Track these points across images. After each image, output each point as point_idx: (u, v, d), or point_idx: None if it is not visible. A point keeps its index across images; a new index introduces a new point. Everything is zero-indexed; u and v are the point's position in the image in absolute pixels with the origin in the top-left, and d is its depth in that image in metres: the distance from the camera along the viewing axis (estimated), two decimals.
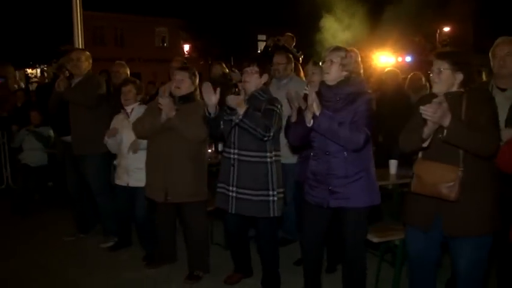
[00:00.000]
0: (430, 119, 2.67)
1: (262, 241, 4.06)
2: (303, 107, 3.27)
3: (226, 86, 4.82)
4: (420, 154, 2.97)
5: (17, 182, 7.38)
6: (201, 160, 4.25)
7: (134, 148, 4.57)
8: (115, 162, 4.98)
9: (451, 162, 2.81)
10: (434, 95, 2.88)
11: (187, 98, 4.18)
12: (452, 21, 22.41)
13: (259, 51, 25.96)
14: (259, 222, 3.95)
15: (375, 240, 3.96)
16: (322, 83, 3.45)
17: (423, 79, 6.75)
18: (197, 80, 4.29)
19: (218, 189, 3.99)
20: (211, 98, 3.72)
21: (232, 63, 5.61)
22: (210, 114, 3.81)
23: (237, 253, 4.26)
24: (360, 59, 3.45)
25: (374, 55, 13.86)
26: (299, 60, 6.96)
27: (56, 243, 5.39)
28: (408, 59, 17.45)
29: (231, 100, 3.65)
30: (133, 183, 4.67)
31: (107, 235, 5.27)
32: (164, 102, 4.02)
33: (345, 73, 3.34)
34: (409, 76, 6.94)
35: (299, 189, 4.17)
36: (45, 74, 7.55)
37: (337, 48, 3.38)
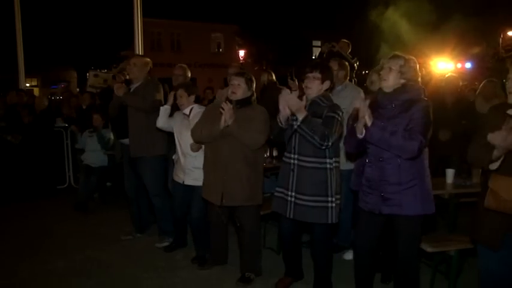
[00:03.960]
0: (500, 146, 2.54)
1: (317, 247, 4.03)
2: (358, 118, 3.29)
3: (277, 93, 4.88)
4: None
5: (78, 182, 7.73)
6: (258, 165, 4.31)
7: (197, 148, 4.65)
8: (174, 157, 5.10)
9: None
10: (508, 105, 2.76)
11: (244, 103, 4.25)
12: None
13: (313, 57, 25.92)
14: (315, 228, 3.93)
15: (429, 250, 3.89)
16: (380, 89, 3.47)
17: (498, 87, 6.42)
18: (254, 85, 4.34)
19: (276, 194, 4.01)
20: (286, 109, 3.73)
21: (293, 73, 5.64)
22: (282, 123, 3.83)
23: (289, 257, 4.28)
24: (418, 66, 3.43)
25: (432, 61, 13.54)
26: (354, 67, 6.93)
27: (114, 241, 5.60)
28: (468, 65, 16.86)
29: (292, 102, 3.64)
30: (188, 181, 4.79)
31: (162, 235, 5.43)
32: (227, 108, 4.09)
33: (402, 80, 3.34)
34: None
35: (354, 197, 4.16)
36: (116, 78, 7.80)
37: (396, 56, 3.39)
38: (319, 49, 8.29)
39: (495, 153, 2.61)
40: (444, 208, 4.97)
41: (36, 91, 27.09)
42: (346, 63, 5.17)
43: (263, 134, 4.12)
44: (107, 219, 6.58)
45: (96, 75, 12.69)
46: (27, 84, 18.54)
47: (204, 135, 4.35)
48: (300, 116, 3.63)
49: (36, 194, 7.87)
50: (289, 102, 3.66)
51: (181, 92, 4.85)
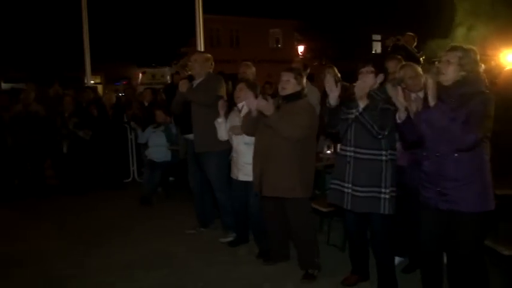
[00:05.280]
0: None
1: (376, 239, 4.00)
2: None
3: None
4: None
5: (142, 176, 7.93)
6: (303, 157, 4.26)
7: (236, 132, 4.84)
8: (230, 156, 5.16)
9: None
10: None
11: (292, 97, 4.30)
12: None
13: (373, 52, 25.42)
14: (373, 221, 3.92)
15: (506, 253, 3.70)
16: (438, 83, 3.36)
17: None
18: (304, 80, 4.39)
19: (332, 186, 4.03)
20: (333, 89, 3.83)
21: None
22: (330, 105, 3.90)
23: (355, 253, 4.23)
24: (478, 57, 3.28)
25: (501, 53, 12.94)
26: (419, 61, 6.71)
27: (178, 234, 5.70)
28: None
29: (360, 88, 3.72)
30: (242, 177, 4.88)
31: (226, 230, 5.47)
32: (261, 103, 4.20)
33: (462, 73, 3.23)
34: None
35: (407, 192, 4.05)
36: (180, 74, 7.97)
37: (454, 48, 3.28)
38: (379, 43, 8.14)
39: None
40: None
41: (99, 88, 28.09)
42: (401, 59, 5.00)
43: (303, 128, 4.15)
44: (171, 213, 6.70)
45: (144, 73, 13.17)
46: (92, 82, 19.16)
47: (243, 124, 4.58)
48: (362, 104, 3.70)
49: (105, 186, 8.23)
50: (357, 88, 3.71)
51: (241, 85, 4.96)
